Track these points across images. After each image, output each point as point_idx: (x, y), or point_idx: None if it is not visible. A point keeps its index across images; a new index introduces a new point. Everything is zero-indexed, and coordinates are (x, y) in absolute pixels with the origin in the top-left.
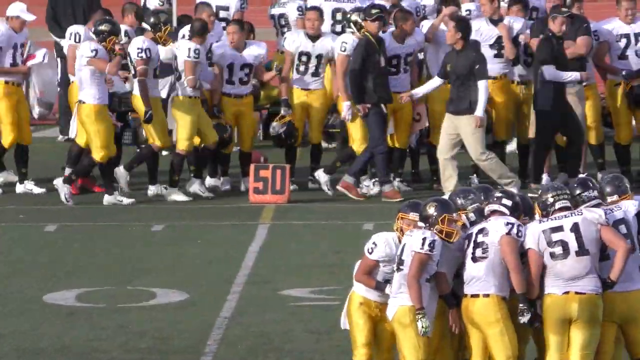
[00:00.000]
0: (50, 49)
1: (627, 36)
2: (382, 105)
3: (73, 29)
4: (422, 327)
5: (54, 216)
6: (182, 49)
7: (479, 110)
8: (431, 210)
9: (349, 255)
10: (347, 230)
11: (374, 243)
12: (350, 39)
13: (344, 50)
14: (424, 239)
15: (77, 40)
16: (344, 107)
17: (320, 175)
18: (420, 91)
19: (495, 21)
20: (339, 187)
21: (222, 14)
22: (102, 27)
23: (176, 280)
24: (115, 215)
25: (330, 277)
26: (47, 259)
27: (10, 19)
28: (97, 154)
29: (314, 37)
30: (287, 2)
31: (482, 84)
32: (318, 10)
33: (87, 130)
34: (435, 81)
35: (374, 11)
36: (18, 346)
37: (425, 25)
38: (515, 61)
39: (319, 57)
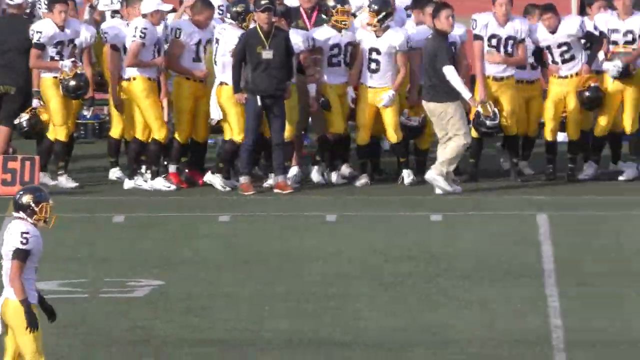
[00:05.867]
0: None
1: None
2: (259, 97)
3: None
4: None
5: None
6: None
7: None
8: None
9: (100, 248)
10: (96, 222)
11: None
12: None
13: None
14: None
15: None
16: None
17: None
18: None
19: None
20: None
21: None
22: (238, 9)
23: None
24: None
25: (80, 269)
26: None
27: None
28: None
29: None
30: None
31: None
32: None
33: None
34: None
35: (263, 2)
36: None
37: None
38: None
39: None
